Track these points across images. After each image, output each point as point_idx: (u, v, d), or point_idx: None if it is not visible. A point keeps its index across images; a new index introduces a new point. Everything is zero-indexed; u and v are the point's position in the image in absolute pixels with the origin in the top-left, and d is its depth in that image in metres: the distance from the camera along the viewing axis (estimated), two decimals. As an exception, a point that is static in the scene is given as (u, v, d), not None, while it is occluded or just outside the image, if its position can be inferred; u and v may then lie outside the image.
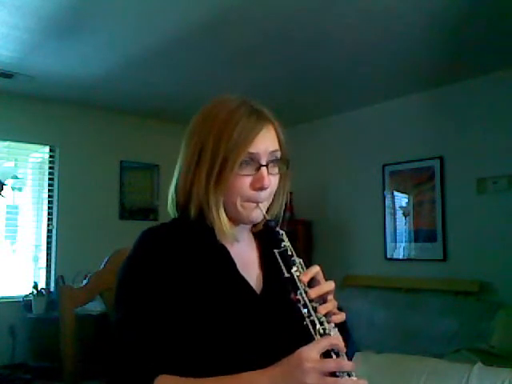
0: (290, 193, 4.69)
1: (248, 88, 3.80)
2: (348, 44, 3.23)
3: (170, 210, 1.04)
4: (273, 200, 1.02)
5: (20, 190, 4.48)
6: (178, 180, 1.00)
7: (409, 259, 4.24)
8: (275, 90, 4.01)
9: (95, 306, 3.37)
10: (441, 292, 3.82)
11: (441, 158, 4.02)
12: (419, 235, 4.18)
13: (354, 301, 3.97)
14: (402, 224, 4.32)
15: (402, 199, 4.38)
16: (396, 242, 4.34)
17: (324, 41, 3.19)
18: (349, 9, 2.77)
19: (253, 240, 1.07)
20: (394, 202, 4.41)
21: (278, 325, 0.94)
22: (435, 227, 4.04)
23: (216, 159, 0.92)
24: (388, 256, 4.37)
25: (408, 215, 4.28)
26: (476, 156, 3.79)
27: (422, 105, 4.20)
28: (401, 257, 4.31)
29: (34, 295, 4.10)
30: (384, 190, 4.44)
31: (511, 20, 2.88)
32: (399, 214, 4.35)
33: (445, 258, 3.95)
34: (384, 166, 4.42)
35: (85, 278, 1.30)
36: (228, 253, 0.98)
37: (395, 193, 4.40)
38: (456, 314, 3.49)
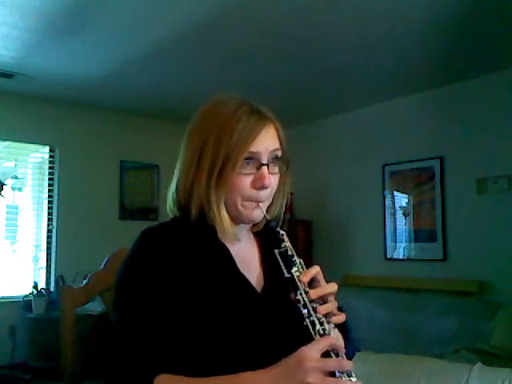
0: (290, 193, 4.73)
1: (248, 88, 3.79)
2: (348, 44, 3.23)
3: (169, 210, 1.04)
4: (273, 200, 1.02)
5: (20, 189, 4.49)
6: (178, 180, 1.00)
7: (409, 259, 4.24)
8: (275, 89, 4.01)
9: (95, 306, 3.35)
10: (441, 292, 3.82)
11: (441, 158, 4.02)
12: (419, 235, 4.18)
13: (354, 301, 3.97)
14: (402, 224, 4.32)
15: (402, 199, 4.38)
16: (396, 242, 4.34)
17: (324, 41, 3.19)
18: (349, 9, 2.77)
19: (253, 239, 1.07)
20: (394, 202, 4.41)
21: (279, 323, 0.94)
22: (435, 227, 4.04)
23: (217, 158, 0.92)
24: (388, 256, 4.37)
25: (408, 215, 4.28)
26: (476, 156, 3.78)
27: (422, 105, 4.20)
28: (401, 257, 4.31)
29: (34, 295, 4.10)
30: (384, 189, 4.44)
31: (510, 20, 2.88)
32: (399, 213, 4.35)
33: (445, 258, 3.95)
34: (384, 166, 4.42)
35: (85, 278, 1.30)
36: (228, 251, 0.98)
37: (395, 193, 4.40)
38: (456, 314, 3.48)
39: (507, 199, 3.60)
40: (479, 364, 1.88)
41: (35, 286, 4.15)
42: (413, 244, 4.23)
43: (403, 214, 4.32)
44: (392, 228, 4.37)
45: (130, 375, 0.84)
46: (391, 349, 3.06)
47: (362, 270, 4.48)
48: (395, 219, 4.36)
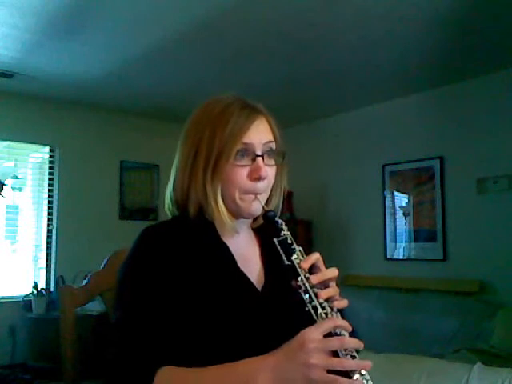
0: (291, 192, 4.73)
1: (248, 88, 3.79)
2: (348, 44, 3.23)
3: (167, 209, 1.05)
4: (271, 193, 1.02)
5: (20, 190, 4.49)
6: (175, 179, 1.01)
7: (409, 259, 4.24)
8: (275, 89, 4.01)
9: (95, 306, 3.37)
10: (441, 292, 3.82)
11: (441, 158, 4.02)
12: (419, 235, 4.18)
13: (354, 301, 3.95)
14: (402, 224, 4.32)
15: (402, 199, 4.38)
16: (396, 242, 4.34)
17: (324, 41, 3.19)
18: (349, 9, 2.77)
19: (253, 236, 1.08)
20: (394, 202, 4.41)
21: (279, 320, 0.94)
22: (435, 227, 4.04)
23: (212, 152, 0.94)
24: (388, 256, 4.37)
25: (408, 215, 4.28)
26: (476, 156, 3.78)
27: (422, 105, 4.20)
28: (401, 257, 4.31)
29: (34, 295, 4.10)
30: (384, 189, 4.44)
31: (511, 20, 2.88)
32: (399, 213, 4.35)
33: (445, 258, 3.95)
34: (384, 166, 4.42)
35: (85, 278, 1.30)
36: (228, 249, 0.99)
37: (395, 193, 4.40)
38: (456, 314, 3.48)
39: (507, 199, 3.60)
40: (479, 364, 1.88)
41: (35, 286, 4.15)
42: (413, 244, 4.23)
43: (403, 213, 4.32)
44: (392, 228, 4.37)
45: (133, 370, 0.84)
46: (391, 349, 3.06)
47: (362, 269, 4.48)
48: (395, 219, 4.37)
